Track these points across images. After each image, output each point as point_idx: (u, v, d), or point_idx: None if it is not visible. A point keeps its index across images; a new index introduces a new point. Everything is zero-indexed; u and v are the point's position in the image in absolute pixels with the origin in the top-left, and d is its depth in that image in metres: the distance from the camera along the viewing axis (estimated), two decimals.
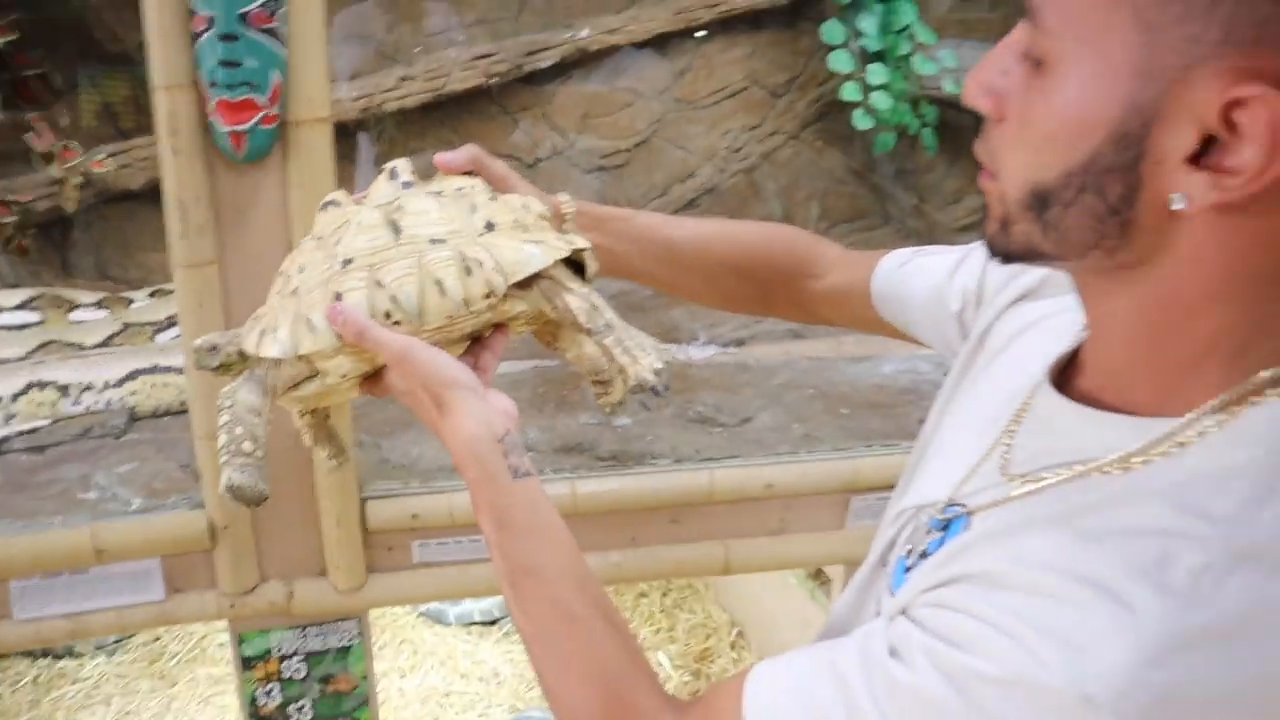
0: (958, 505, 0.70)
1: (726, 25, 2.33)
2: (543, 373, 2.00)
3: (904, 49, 2.27)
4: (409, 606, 2.55)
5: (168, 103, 1.18)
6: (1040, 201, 0.59)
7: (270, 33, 1.19)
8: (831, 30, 2.25)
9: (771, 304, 1.09)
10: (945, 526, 0.69)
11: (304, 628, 1.57)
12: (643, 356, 0.84)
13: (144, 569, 1.51)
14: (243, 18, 1.16)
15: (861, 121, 2.27)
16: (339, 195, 0.89)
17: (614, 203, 2.43)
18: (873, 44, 2.26)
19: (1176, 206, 0.54)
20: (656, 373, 0.83)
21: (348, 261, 0.81)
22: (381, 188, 0.87)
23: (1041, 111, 0.57)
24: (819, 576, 2.00)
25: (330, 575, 1.55)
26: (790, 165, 2.51)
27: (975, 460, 0.72)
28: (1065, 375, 0.69)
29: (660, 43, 2.28)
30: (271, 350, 0.81)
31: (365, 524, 1.54)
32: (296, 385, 0.84)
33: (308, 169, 1.30)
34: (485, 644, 2.46)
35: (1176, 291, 0.57)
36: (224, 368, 0.86)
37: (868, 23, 2.25)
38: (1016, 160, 0.60)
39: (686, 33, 2.29)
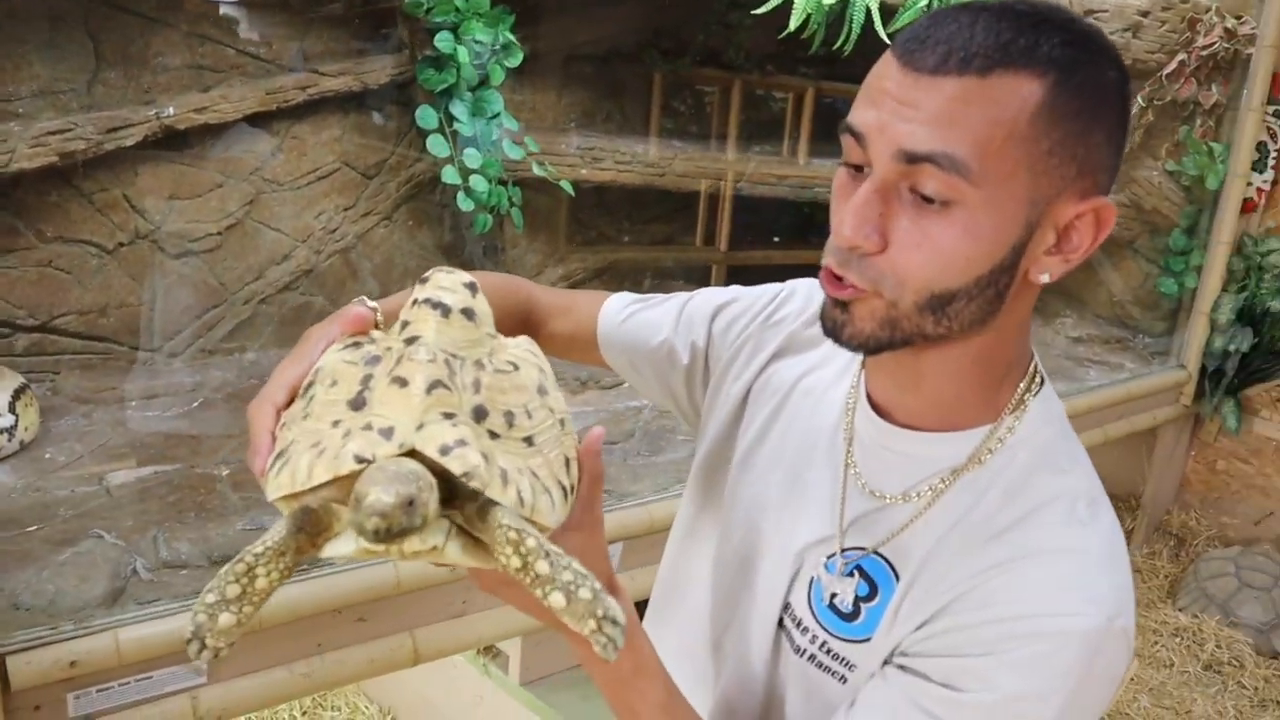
0: (855, 549, 0.83)
1: (317, 107, 2.28)
2: (166, 479, 1.82)
3: (494, 134, 2.39)
4: None
5: None
6: (942, 302, 0.73)
7: None
8: (426, 116, 2.31)
9: None
10: (857, 568, 0.82)
11: None
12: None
13: None
14: None
15: (464, 204, 2.34)
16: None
17: (206, 287, 2.28)
18: (465, 129, 2.35)
19: (1043, 280, 0.75)
20: None
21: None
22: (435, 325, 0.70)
23: (951, 239, 0.70)
24: (489, 650, 2.02)
25: None
26: (384, 245, 2.51)
27: (830, 494, 0.86)
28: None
29: (251, 123, 2.18)
30: (550, 518, 0.65)
31: (7, 683, 1.31)
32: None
33: None
34: None
35: (1001, 335, 0.78)
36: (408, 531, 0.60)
37: (460, 109, 2.34)
38: (916, 277, 0.72)
39: (278, 113, 2.21)
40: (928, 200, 0.70)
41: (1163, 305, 3.60)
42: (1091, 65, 0.70)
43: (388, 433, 0.61)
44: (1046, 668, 0.70)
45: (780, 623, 0.87)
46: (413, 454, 0.61)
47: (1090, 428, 3.02)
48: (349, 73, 2.27)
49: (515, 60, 2.37)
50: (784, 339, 0.98)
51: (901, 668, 0.76)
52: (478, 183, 2.35)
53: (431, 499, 0.60)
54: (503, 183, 2.46)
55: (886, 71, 0.71)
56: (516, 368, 0.69)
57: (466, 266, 2.52)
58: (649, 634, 0.94)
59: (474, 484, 0.61)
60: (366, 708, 2.24)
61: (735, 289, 1.05)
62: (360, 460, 0.61)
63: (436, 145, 2.31)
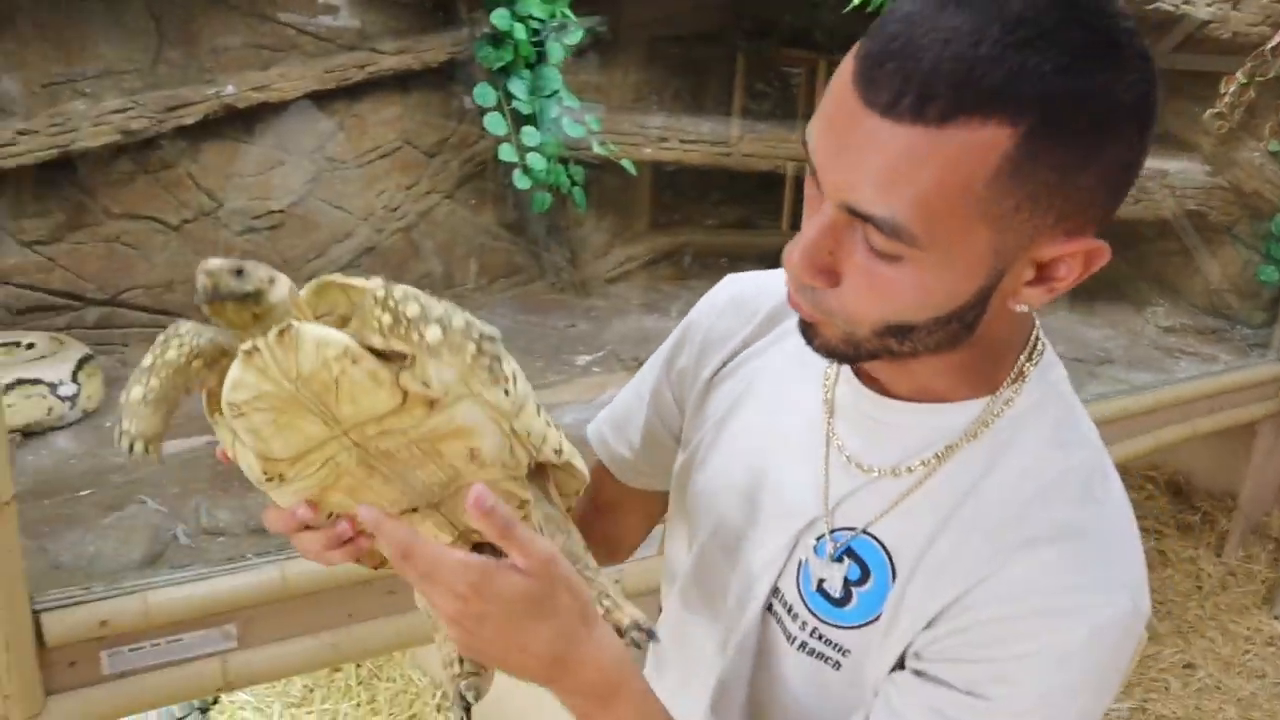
0: (845, 529, 0.78)
1: (377, 86, 2.31)
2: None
3: (553, 112, 2.38)
4: None
5: None
6: (901, 332, 0.67)
7: None
8: (484, 93, 2.31)
9: None
10: (847, 550, 0.77)
11: None
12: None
13: None
14: None
15: (520, 182, 2.34)
16: None
17: (269, 264, 2.33)
18: (524, 107, 2.34)
19: (1021, 310, 0.68)
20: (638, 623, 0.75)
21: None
22: None
23: (902, 288, 0.64)
24: None
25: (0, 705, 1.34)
26: (446, 224, 2.52)
27: (812, 472, 0.80)
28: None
29: (311, 101, 2.21)
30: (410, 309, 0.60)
31: (42, 639, 1.35)
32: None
33: None
34: None
35: (994, 321, 0.70)
36: (249, 298, 0.59)
37: (518, 87, 2.34)
38: (869, 314, 0.67)
39: (338, 92, 2.24)
40: (883, 256, 0.64)
41: (1263, 294, 3.39)
42: (1089, 97, 0.58)
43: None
44: (1077, 661, 0.67)
45: (771, 608, 0.83)
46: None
47: (1175, 421, 2.86)
48: (407, 51, 2.29)
49: (574, 38, 2.36)
50: (737, 346, 0.90)
51: (919, 673, 0.72)
52: (535, 160, 2.35)
53: (276, 282, 0.60)
54: (563, 161, 2.45)
55: (843, 88, 0.62)
56: None
57: (531, 245, 2.51)
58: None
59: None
60: (419, 680, 2.27)
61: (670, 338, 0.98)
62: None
63: (494, 123, 2.31)
